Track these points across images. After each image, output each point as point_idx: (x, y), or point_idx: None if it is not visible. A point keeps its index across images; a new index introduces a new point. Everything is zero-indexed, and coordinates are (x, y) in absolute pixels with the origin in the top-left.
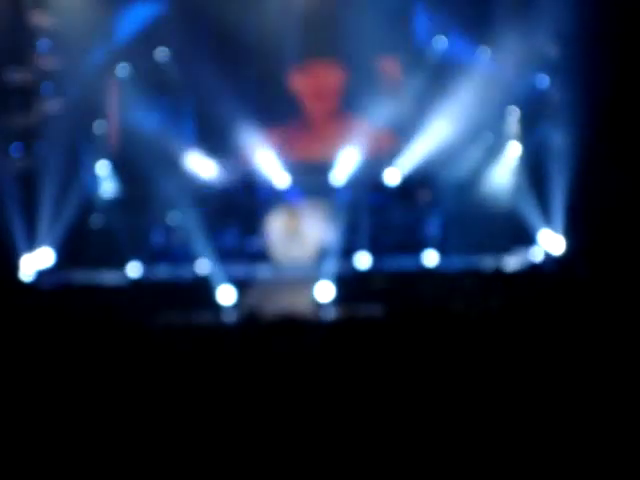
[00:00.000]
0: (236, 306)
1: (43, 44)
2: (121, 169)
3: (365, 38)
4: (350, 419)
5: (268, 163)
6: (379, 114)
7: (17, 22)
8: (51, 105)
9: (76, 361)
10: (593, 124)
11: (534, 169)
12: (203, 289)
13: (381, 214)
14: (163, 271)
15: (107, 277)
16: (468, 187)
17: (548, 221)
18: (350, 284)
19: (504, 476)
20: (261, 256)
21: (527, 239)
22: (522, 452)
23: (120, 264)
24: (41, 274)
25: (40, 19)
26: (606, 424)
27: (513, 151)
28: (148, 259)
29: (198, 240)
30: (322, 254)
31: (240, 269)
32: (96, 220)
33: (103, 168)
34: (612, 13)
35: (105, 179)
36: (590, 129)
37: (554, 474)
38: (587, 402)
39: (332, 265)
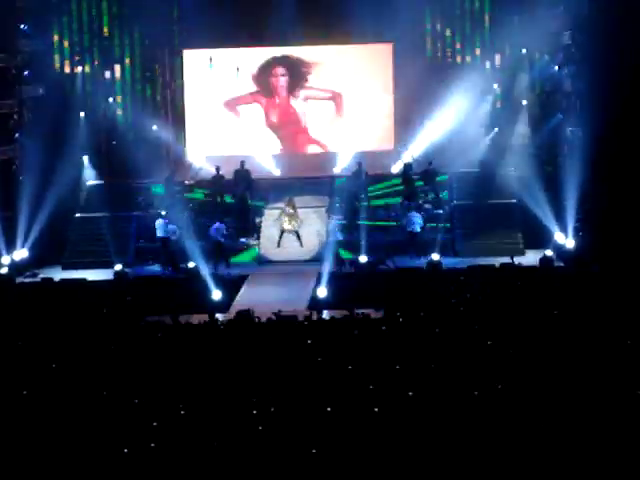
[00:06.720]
0: (229, 305)
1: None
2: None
3: None
4: (344, 417)
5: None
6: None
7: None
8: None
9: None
10: (608, 115)
11: (546, 162)
12: (195, 287)
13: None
14: (152, 268)
15: (94, 273)
16: (479, 181)
17: (560, 216)
18: (347, 281)
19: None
20: (254, 253)
21: (539, 234)
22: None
23: (107, 260)
24: (20, 268)
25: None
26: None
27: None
28: (137, 256)
29: (190, 236)
30: (319, 250)
31: (233, 266)
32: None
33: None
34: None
35: (90, 170)
36: (605, 120)
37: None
38: (595, 395)
39: (328, 262)
